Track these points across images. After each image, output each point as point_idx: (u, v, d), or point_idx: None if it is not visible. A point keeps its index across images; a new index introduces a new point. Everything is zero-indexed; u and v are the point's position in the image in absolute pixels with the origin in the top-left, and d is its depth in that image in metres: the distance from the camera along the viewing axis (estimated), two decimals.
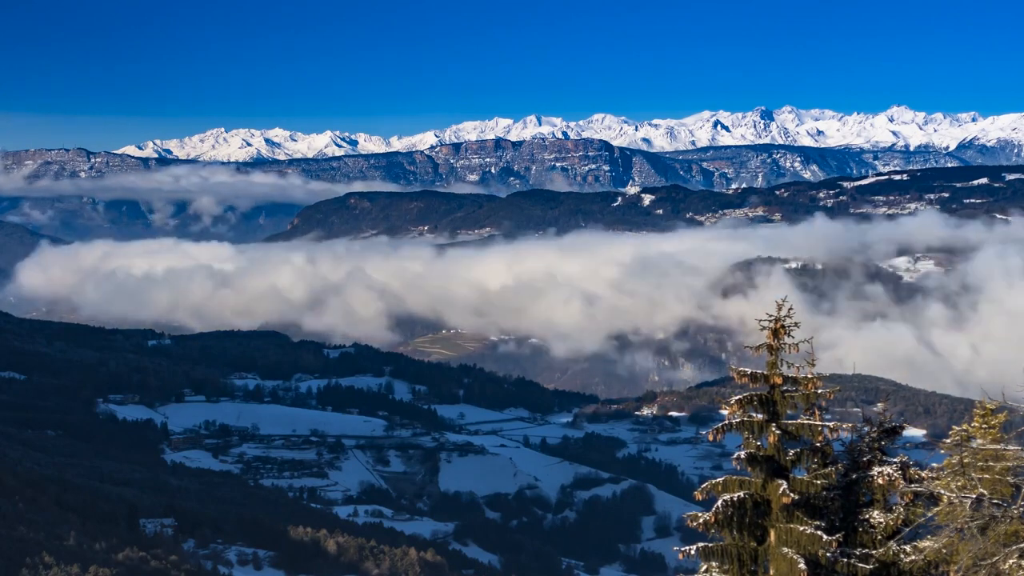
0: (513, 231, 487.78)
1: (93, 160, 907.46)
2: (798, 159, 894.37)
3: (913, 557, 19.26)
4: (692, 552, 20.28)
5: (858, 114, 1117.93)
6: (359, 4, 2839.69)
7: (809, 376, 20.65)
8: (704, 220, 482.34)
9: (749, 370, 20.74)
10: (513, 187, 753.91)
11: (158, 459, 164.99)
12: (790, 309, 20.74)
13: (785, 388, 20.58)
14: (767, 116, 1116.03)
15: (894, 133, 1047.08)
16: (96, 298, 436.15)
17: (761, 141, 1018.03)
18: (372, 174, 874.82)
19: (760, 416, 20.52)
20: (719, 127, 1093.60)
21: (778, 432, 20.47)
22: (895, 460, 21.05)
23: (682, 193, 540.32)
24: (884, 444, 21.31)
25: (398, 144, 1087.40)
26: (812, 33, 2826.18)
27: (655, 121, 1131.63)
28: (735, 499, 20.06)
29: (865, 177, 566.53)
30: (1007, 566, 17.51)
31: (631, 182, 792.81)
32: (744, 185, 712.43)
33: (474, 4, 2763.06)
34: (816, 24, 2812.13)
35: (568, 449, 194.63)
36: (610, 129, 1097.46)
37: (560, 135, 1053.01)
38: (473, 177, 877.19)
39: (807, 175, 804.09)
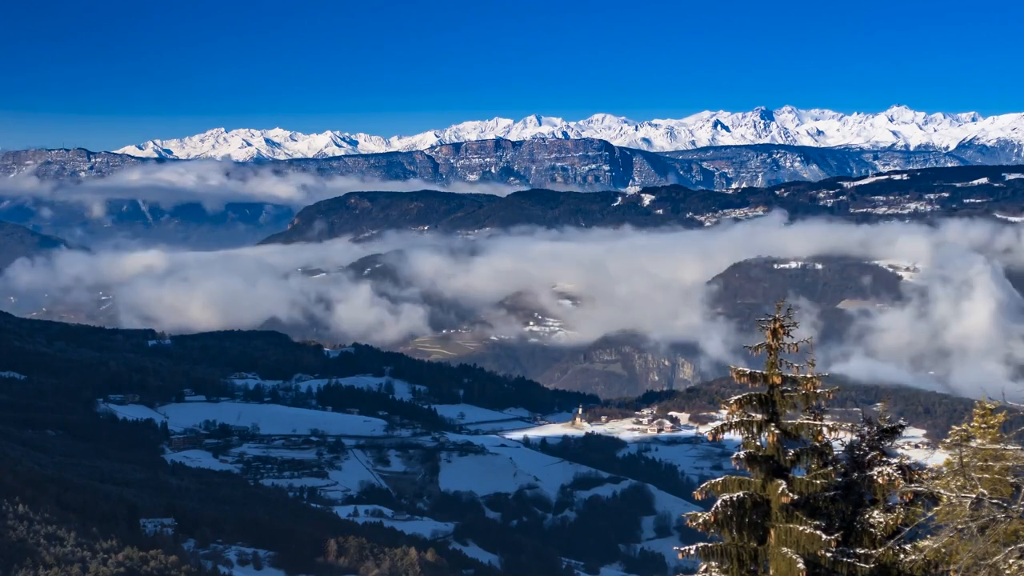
0: (513, 231, 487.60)
1: (93, 160, 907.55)
2: (798, 159, 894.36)
3: (913, 557, 19.25)
4: (692, 552, 20.27)
5: (858, 114, 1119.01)
6: (359, 4, 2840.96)
7: (808, 376, 20.63)
8: (704, 220, 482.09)
9: (748, 370, 20.72)
10: (513, 187, 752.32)
11: (158, 459, 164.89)
12: (789, 309, 20.73)
13: (784, 388, 20.56)
14: (767, 116, 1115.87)
15: (894, 133, 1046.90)
16: (96, 298, 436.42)
17: (761, 141, 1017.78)
18: (372, 174, 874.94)
19: (759, 416, 20.50)
20: (719, 127, 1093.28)
21: (777, 432, 20.45)
22: (895, 460, 21.04)
23: (682, 193, 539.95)
24: (884, 444, 21.29)
25: (398, 144, 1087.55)
26: (812, 33, 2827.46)
27: (655, 121, 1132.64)
28: (735, 499, 20.05)
29: (865, 177, 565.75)
30: (1007, 566, 17.50)
31: (631, 182, 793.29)
32: (744, 185, 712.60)
33: (474, 4, 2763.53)
34: (816, 24, 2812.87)
35: (568, 449, 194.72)
36: (610, 129, 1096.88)
37: (560, 135, 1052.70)
38: (473, 177, 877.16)
39: (807, 175, 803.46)
